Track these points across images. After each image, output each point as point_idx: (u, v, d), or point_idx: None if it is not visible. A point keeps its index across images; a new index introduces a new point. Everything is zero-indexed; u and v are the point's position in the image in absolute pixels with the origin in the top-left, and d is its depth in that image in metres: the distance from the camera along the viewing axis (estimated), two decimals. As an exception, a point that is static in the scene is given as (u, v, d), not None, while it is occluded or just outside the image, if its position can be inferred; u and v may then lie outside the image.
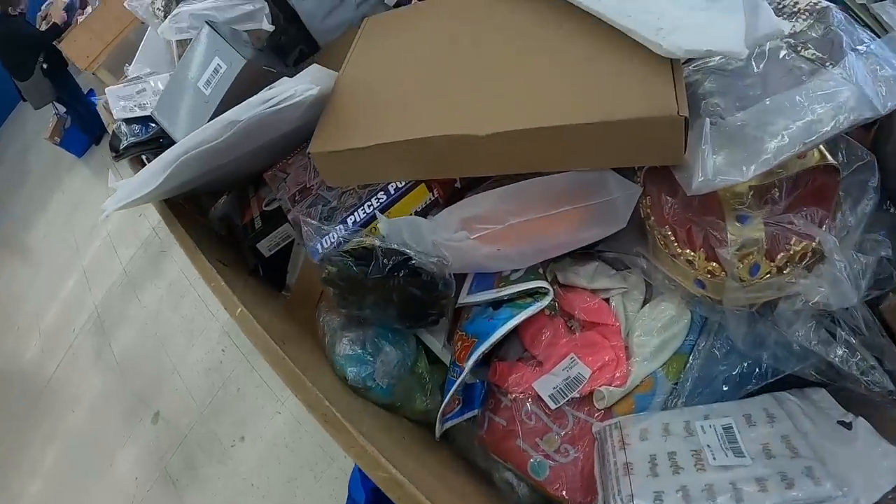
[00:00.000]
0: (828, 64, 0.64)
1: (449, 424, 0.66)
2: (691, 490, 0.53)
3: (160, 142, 0.96)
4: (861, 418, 0.55)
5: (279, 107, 0.70)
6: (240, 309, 0.70)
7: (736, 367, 0.62)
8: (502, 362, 0.67)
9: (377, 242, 0.63)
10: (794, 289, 0.56)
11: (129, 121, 1.01)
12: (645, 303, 0.66)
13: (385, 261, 0.62)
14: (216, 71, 0.80)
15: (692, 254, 0.60)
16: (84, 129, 4.30)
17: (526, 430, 0.63)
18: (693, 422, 0.60)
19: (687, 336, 0.64)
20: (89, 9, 3.31)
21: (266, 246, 0.88)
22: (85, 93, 4.23)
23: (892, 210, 0.67)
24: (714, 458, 0.55)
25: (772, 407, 0.60)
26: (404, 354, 0.70)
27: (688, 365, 0.63)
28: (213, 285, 0.75)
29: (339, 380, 0.70)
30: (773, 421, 0.58)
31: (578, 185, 0.61)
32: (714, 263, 0.59)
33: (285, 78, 0.75)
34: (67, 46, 3.35)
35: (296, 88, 0.71)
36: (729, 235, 0.57)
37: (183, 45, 1.00)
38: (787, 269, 0.57)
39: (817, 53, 0.65)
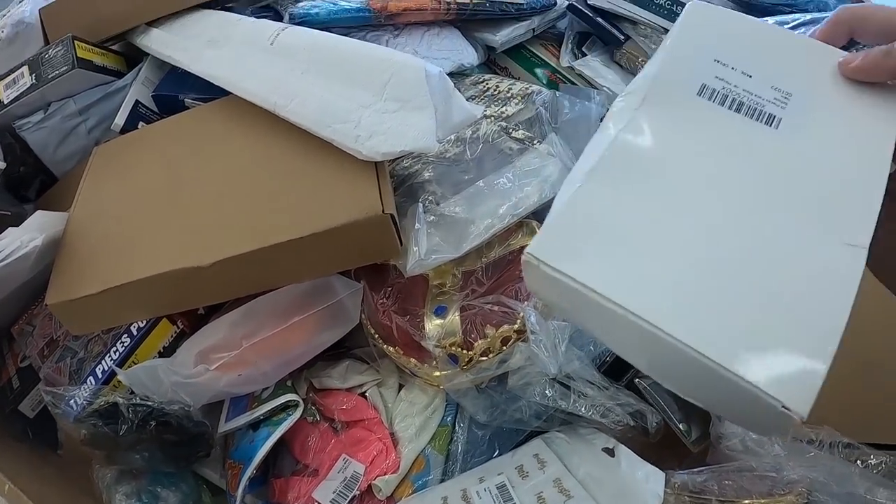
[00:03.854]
0: (536, 142, 0.68)
1: (239, 553, 0.64)
2: (474, 560, 0.54)
3: None
4: (621, 444, 0.58)
5: (6, 262, 0.65)
6: (7, 485, 0.64)
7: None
8: (279, 479, 0.66)
9: (120, 399, 0.61)
10: (510, 366, 0.59)
11: None
12: (401, 388, 0.68)
13: (132, 417, 0.60)
14: (-57, 219, 0.73)
15: (391, 349, 0.64)
16: None
17: (316, 539, 0.63)
18: (469, 488, 0.60)
19: (447, 409, 0.66)
20: None
21: (28, 406, 0.80)
22: None
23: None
24: None
25: (542, 451, 0.62)
26: (184, 495, 0.67)
27: (454, 435, 0.66)
28: (-25, 461, 0.68)
29: (126, 536, 0.65)
30: (543, 466, 0.60)
31: (304, 294, 0.63)
32: (412, 359, 0.62)
33: (11, 228, 0.70)
34: None
35: (21, 240, 0.67)
36: (426, 329, 0.60)
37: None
38: (491, 355, 0.59)
39: (527, 133, 0.69)
